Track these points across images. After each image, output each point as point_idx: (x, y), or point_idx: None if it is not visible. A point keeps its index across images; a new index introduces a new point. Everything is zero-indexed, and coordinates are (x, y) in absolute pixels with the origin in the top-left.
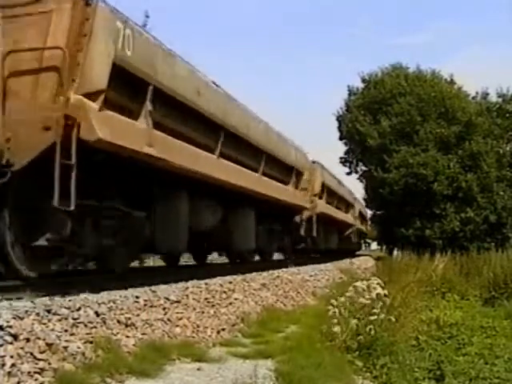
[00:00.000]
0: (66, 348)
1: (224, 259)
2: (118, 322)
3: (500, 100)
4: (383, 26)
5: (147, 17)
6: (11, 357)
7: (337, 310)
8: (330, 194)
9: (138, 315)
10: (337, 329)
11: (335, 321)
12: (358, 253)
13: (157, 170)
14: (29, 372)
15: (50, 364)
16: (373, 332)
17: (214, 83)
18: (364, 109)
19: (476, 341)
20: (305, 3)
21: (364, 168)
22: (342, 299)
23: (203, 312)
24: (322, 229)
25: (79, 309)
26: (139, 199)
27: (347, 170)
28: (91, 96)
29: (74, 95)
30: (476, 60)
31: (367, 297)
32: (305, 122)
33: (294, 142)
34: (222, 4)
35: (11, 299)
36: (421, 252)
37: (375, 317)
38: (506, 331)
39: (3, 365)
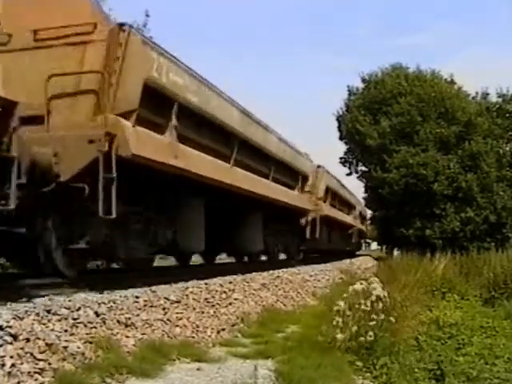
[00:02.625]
0: (65, 348)
1: (225, 259)
2: (118, 322)
3: (500, 100)
4: (383, 27)
5: (147, 16)
6: (11, 357)
7: (339, 316)
8: (333, 196)
9: (137, 315)
10: (340, 336)
11: (335, 323)
12: (358, 253)
13: (180, 178)
14: (29, 372)
15: (49, 364)
16: (372, 333)
17: (231, 99)
18: (364, 109)
19: (476, 341)
20: (305, 3)
21: (364, 168)
22: (342, 303)
23: (203, 312)
24: (325, 230)
25: (79, 309)
26: (164, 204)
27: (347, 170)
28: (125, 115)
29: (110, 115)
30: (476, 60)
31: (368, 303)
32: (304, 122)
33: (299, 149)
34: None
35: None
36: (421, 252)
37: (374, 322)
38: (506, 331)
39: (3, 365)
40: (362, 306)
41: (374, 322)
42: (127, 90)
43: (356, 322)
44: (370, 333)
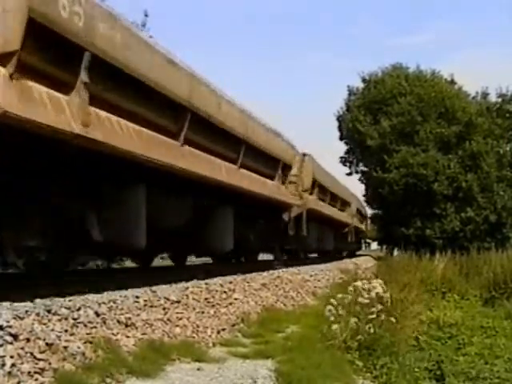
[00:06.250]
0: (66, 348)
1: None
2: (118, 322)
3: (500, 100)
4: (383, 26)
5: (146, 16)
6: (11, 357)
7: (334, 309)
8: (323, 190)
9: (138, 315)
10: (336, 328)
11: (334, 319)
12: (358, 253)
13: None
14: (29, 372)
15: (50, 364)
16: (372, 331)
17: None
18: (364, 109)
19: (476, 341)
20: (304, 2)
21: (364, 168)
22: (341, 298)
23: (203, 312)
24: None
25: (79, 309)
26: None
27: (347, 170)
28: (306, 191)
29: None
30: (476, 60)
31: (366, 296)
32: (304, 123)
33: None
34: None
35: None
36: (421, 252)
37: (374, 316)
38: (506, 331)
39: (3, 365)
40: (360, 299)
41: (374, 316)
42: (307, 180)
43: (353, 315)
44: (368, 326)
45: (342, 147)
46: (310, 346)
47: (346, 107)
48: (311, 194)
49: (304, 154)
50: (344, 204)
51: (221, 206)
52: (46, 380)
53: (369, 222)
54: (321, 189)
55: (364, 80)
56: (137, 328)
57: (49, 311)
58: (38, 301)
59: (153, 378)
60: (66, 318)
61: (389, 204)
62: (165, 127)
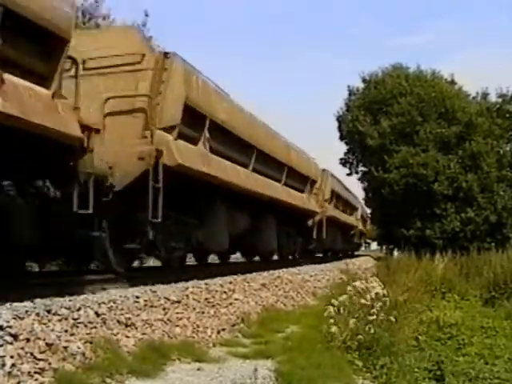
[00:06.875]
0: (66, 348)
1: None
2: (118, 322)
3: (500, 100)
4: (383, 26)
5: (146, 16)
6: (11, 357)
7: (334, 310)
8: (337, 198)
9: (138, 315)
10: (335, 329)
11: (333, 321)
12: (357, 253)
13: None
14: (29, 372)
15: (50, 364)
16: (372, 331)
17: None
18: (364, 109)
19: (476, 341)
20: (305, 2)
21: (364, 168)
22: (341, 299)
23: (203, 312)
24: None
25: (79, 309)
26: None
27: (347, 171)
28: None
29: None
30: (476, 60)
31: (368, 297)
32: (304, 123)
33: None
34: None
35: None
36: (421, 252)
37: (374, 317)
38: (506, 331)
39: (3, 365)
40: (362, 300)
41: (374, 317)
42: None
43: (355, 317)
44: (368, 326)
45: (342, 147)
46: (309, 346)
47: (346, 107)
48: (329, 202)
49: (323, 170)
50: (352, 209)
51: None
52: (45, 380)
53: (368, 220)
54: (336, 197)
55: (364, 80)
56: (137, 328)
57: (49, 311)
58: (37, 301)
59: (153, 378)
60: (66, 318)
61: (389, 204)
62: None
